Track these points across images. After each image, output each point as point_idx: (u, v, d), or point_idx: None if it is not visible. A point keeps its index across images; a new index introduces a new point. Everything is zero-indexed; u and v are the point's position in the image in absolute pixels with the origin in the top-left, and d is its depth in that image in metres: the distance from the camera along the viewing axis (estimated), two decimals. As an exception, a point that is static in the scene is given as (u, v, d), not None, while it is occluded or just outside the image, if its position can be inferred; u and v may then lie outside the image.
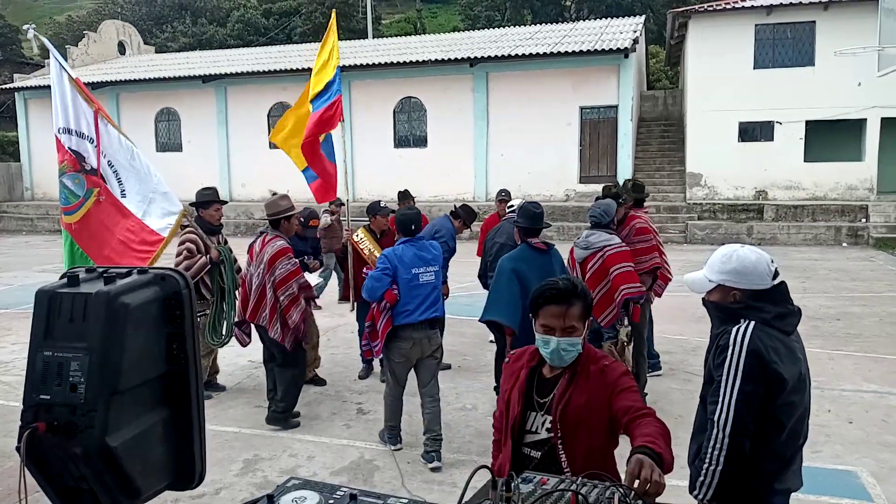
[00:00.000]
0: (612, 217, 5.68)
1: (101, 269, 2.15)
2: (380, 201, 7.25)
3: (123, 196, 5.68)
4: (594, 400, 2.34)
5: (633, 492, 1.85)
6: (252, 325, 5.75)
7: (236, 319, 5.82)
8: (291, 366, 5.65)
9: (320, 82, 6.86)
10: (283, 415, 5.64)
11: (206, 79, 22.75)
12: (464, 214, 7.23)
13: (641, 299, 5.69)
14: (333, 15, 7.43)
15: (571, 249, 5.80)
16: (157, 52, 33.61)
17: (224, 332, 6.19)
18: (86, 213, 5.61)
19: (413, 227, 5.11)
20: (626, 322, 5.63)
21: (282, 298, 5.40)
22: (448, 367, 7.10)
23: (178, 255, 6.02)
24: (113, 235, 5.62)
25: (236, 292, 6.13)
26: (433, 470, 4.84)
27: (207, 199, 6.31)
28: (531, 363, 2.50)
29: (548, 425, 2.40)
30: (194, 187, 6.90)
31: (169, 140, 24.31)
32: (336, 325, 8.96)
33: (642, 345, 6.04)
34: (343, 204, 8.76)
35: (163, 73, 23.77)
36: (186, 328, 2.29)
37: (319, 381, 6.68)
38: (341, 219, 9.74)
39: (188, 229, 6.05)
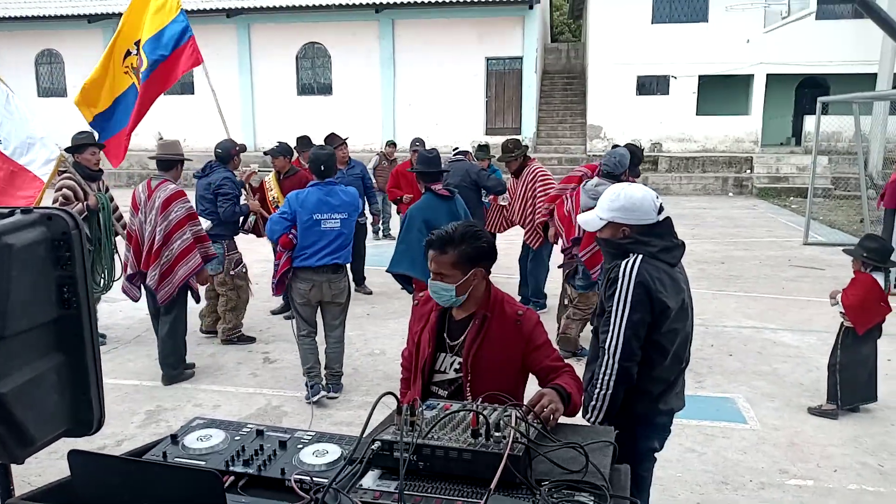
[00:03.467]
0: (625, 169, 5.53)
1: (-20, 210, 2.04)
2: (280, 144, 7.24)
3: (1, 143, 5.40)
4: (506, 348, 2.41)
5: (531, 413, 1.98)
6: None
7: (129, 272, 5.53)
8: (171, 316, 5.44)
9: (153, 27, 6.45)
10: (177, 370, 5.50)
11: (92, 18, 21.18)
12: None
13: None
14: None
15: (578, 191, 5.69)
16: (33, -13, 30.82)
17: (101, 281, 6.01)
18: None
19: (322, 169, 4.94)
20: None
21: (175, 245, 5.23)
22: (370, 292, 7.99)
23: (54, 201, 5.71)
24: None
25: (115, 240, 6.00)
26: (330, 398, 5.07)
27: (82, 143, 5.95)
28: (440, 306, 2.54)
29: (456, 366, 2.47)
30: (82, 135, 6.52)
31: (52, 85, 22.60)
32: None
33: None
34: (395, 144, 11.68)
35: (42, 11, 21.90)
36: (77, 271, 2.21)
37: (246, 339, 6.52)
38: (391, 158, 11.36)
39: (65, 175, 5.77)
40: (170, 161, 5.43)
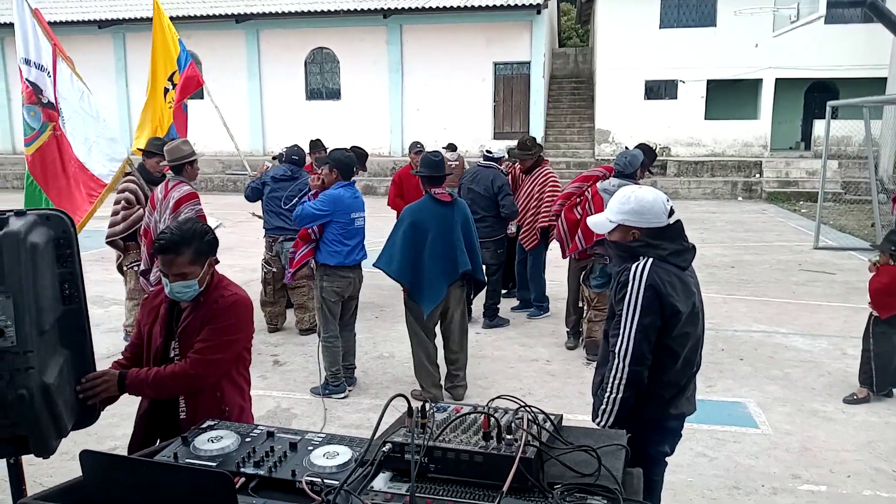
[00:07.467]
0: (636, 168, 5.61)
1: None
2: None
3: (74, 139, 5.84)
4: (204, 325, 2.59)
5: (542, 414, 1.96)
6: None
7: (142, 268, 5.69)
8: None
9: (170, 63, 7.31)
10: None
11: (103, 24, 21.34)
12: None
13: None
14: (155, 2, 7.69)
15: (595, 189, 5.70)
16: (44, -7, 31.11)
17: None
18: (41, 147, 5.73)
19: (350, 169, 5.18)
20: None
21: None
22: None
23: (116, 203, 6.08)
24: (65, 170, 5.74)
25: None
26: (345, 396, 5.25)
27: (153, 151, 6.29)
28: (168, 298, 2.69)
29: (176, 347, 2.66)
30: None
31: (61, 89, 22.74)
32: (248, 279, 8.80)
33: None
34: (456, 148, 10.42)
35: (52, 17, 22.04)
36: (76, 268, 2.26)
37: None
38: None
39: (129, 178, 6.11)
40: (177, 165, 5.52)
